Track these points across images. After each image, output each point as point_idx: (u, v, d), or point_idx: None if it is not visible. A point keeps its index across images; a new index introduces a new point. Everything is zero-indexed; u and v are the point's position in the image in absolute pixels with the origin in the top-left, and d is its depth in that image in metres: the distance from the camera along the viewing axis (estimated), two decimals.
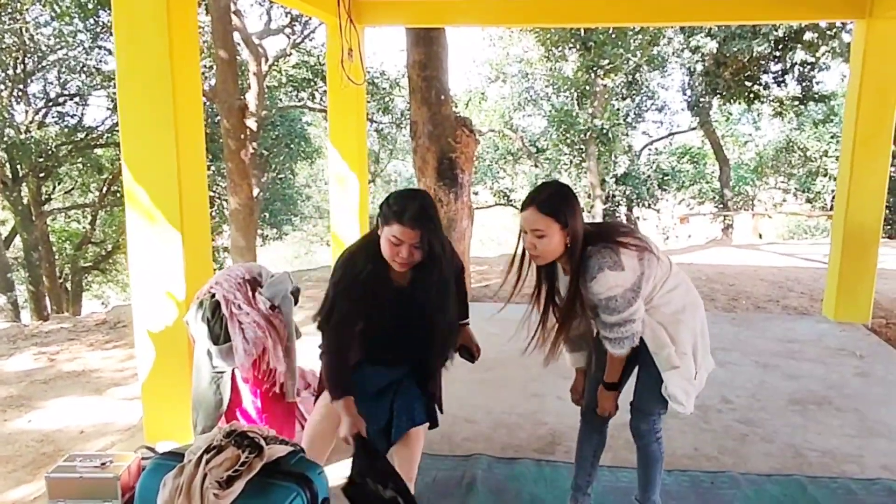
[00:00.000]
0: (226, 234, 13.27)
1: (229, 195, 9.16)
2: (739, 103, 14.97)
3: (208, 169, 12.95)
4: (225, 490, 1.64)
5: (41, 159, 13.29)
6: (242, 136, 8.64)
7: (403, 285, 2.36)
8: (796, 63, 12.93)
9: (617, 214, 18.34)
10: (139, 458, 2.72)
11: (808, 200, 18.45)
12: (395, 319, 2.37)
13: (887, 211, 15.66)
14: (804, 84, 13.63)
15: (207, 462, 1.69)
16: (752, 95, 13.70)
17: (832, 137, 16.80)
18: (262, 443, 1.73)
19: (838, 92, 15.16)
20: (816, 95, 13.82)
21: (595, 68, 15.38)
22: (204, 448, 1.73)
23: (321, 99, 14.02)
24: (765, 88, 13.74)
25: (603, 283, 2.14)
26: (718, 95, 14.45)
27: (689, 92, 16.86)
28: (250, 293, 2.84)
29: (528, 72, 18.08)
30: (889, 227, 16.12)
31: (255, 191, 10.80)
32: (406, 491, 2.02)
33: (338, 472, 2.96)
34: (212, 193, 13.66)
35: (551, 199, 2.16)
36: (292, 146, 15.22)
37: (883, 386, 4.14)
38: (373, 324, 2.36)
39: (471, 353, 2.66)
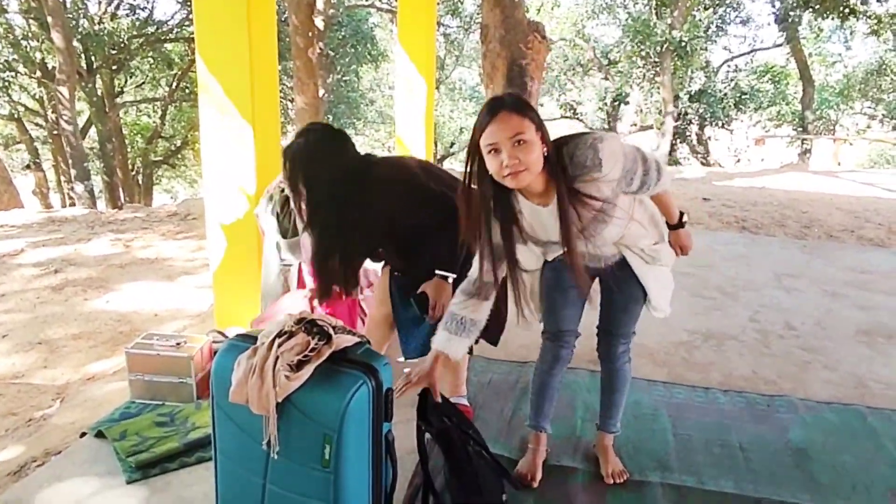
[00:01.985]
0: (291, 135, 13.38)
1: (295, 94, 9.16)
2: (833, 18, 13.92)
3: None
4: (296, 373, 1.70)
5: (113, 51, 13.49)
6: (310, 34, 8.54)
7: None
8: None
9: (688, 133, 17.68)
10: (210, 342, 2.86)
11: (895, 128, 17.36)
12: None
13: None
14: None
15: (279, 345, 1.75)
16: (847, 10, 12.72)
17: None
18: (331, 331, 1.78)
19: None
20: None
21: None
22: (276, 332, 1.79)
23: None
24: (862, 3, 12.73)
25: (609, 158, 1.78)
26: (810, 9, 13.48)
27: (777, 4, 15.75)
28: None
29: None
30: None
31: (321, 91, 10.76)
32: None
33: (398, 371, 3.06)
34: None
35: (518, 100, 1.79)
36: (358, 48, 14.99)
37: None
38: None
39: (426, 302, 2.36)
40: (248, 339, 1.86)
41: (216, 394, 1.84)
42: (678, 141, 17.46)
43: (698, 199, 7.74)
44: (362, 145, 20.00)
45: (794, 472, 2.45)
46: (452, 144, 21.46)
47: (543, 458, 2.43)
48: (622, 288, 2.19)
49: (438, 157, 19.72)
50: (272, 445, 1.74)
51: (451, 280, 2.34)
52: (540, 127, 1.77)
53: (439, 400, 2.03)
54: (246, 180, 3.17)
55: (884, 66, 17.62)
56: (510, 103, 1.75)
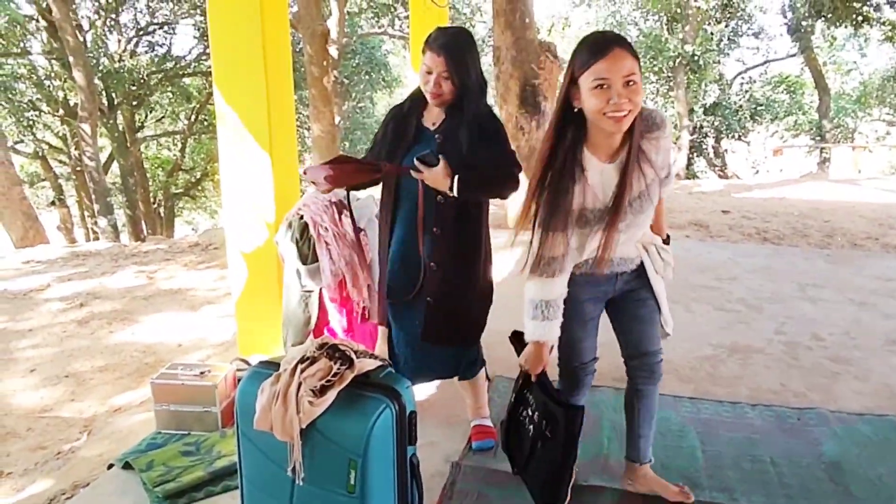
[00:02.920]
0: (308, 162, 13.51)
1: (312, 122, 9.28)
2: (846, 27, 13.87)
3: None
4: (319, 398, 1.71)
5: (133, 87, 13.79)
6: (325, 63, 8.67)
7: (429, 127, 2.37)
8: None
9: (704, 146, 17.61)
10: (234, 370, 2.88)
11: None
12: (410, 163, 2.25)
13: None
14: None
15: (302, 371, 1.76)
16: (860, 18, 12.67)
17: None
18: (353, 356, 1.79)
19: None
20: None
21: None
22: (298, 358, 1.80)
23: (401, 26, 13.85)
24: (875, 10, 12.68)
25: (667, 123, 1.87)
26: (823, 18, 13.43)
27: (789, 14, 15.74)
28: (337, 215, 2.90)
29: None
30: None
31: (336, 119, 10.88)
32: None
33: (419, 392, 3.06)
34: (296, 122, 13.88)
35: (626, 40, 1.76)
36: (372, 74, 15.20)
37: None
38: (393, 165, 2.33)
39: (433, 163, 2.19)
40: (271, 366, 1.87)
41: (241, 421, 1.85)
42: (695, 154, 17.40)
43: (718, 212, 7.68)
44: None
45: (828, 485, 2.40)
46: None
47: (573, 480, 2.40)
48: (642, 298, 2.14)
49: None
50: (297, 472, 1.74)
51: (453, 186, 2.17)
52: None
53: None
54: (265, 208, 3.21)
55: None
56: (623, 41, 1.72)
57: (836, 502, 2.30)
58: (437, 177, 2.18)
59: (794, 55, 17.61)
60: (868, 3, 12.47)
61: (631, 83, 1.70)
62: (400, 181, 2.40)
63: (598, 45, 1.70)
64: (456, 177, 2.17)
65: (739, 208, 7.91)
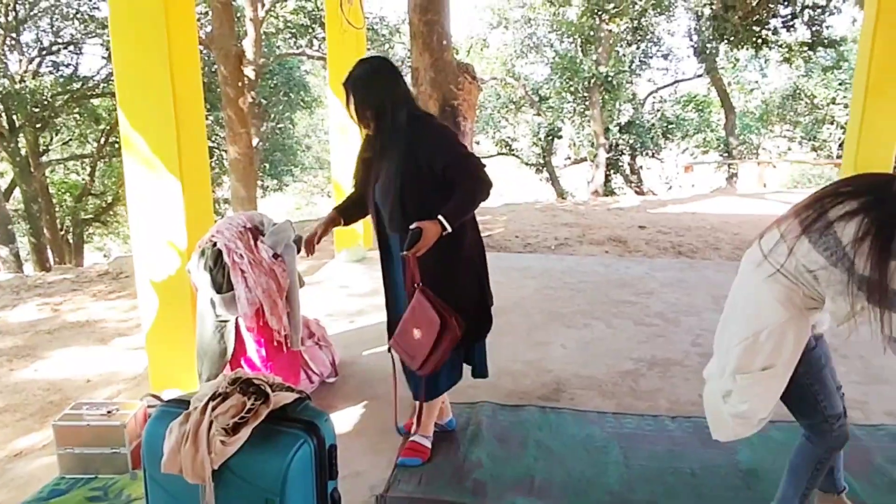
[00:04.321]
0: (226, 185, 13.18)
1: (228, 144, 9.05)
2: (747, 49, 14.66)
3: (207, 118, 12.80)
4: (232, 437, 1.63)
5: (37, 109, 13.12)
6: (240, 84, 8.50)
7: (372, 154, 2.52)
8: (806, 6, 12.63)
9: (620, 163, 18.18)
10: (145, 407, 2.72)
11: (814, 149, 18.25)
12: (374, 192, 2.49)
13: None
14: (814, 29, 13.34)
15: (213, 409, 1.67)
16: (760, 41, 13.41)
17: (840, 84, 16.51)
18: (268, 390, 1.71)
19: (848, 37, 14.83)
20: (826, 40, 13.53)
21: (600, 13, 15.02)
22: (209, 395, 1.71)
23: (320, 46, 13.74)
24: (773, 33, 13.45)
25: None
26: (726, 41, 14.15)
27: (695, 37, 16.51)
28: (252, 242, 2.81)
29: (530, 17, 17.69)
30: None
31: (255, 140, 10.67)
32: None
33: (345, 419, 2.98)
34: (211, 144, 13.52)
35: None
36: (291, 95, 14.99)
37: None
38: (368, 196, 2.54)
39: (415, 240, 2.25)
40: (181, 405, 1.77)
41: (148, 466, 1.74)
42: (612, 172, 17.92)
43: (635, 227, 7.91)
44: (301, 191, 19.88)
45: (745, 493, 2.47)
46: None
47: None
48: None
49: None
50: None
51: (445, 231, 2.30)
52: None
53: None
54: (176, 236, 3.07)
55: (798, 91, 18.55)
56: None
57: None
58: (429, 238, 2.27)
59: (700, 76, 18.45)
60: (766, 27, 13.23)
61: None
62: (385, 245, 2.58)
63: None
64: (441, 221, 2.28)
65: (655, 223, 8.17)
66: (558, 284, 5.17)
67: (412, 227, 2.26)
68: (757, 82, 20.91)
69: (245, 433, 1.64)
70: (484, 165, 2.44)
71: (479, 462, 2.67)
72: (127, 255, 10.83)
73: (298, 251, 3.03)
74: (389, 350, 2.49)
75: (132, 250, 3.33)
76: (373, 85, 2.36)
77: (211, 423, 1.65)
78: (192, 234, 3.06)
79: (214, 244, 2.78)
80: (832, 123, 17.17)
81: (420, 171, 2.36)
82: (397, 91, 2.40)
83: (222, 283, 2.75)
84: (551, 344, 3.97)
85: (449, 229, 2.30)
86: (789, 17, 13.11)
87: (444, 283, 2.39)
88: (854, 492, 2.46)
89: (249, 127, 9.07)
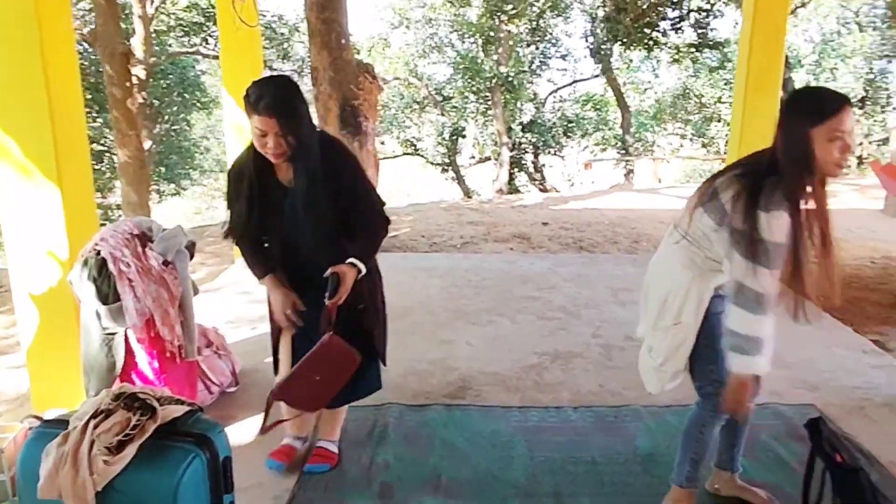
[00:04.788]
0: (117, 190, 12.54)
1: (117, 147, 8.60)
2: (639, 50, 15.28)
3: (95, 120, 12.14)
4: (116, 455, 1.54)
5: None
6: (128, 84, 8.09)
7: (287, 185, 2.31)
8: (693, 10, 13.28)
9: (524, 162, 18.54)
10: (26, 429, 2.54)
11: (704, 145, 19.21)
12: (291, 224, 2.30)
13: None
14: (700, 31, 14.06)
15: (95, 427, 1.58)
16: (650, 42, 14.01)
17: (726, 84, 17.46)
18: (155, 404, 1.63)
19: (731, 38, 15.70)
20: (711, 42, 14.29)
21: (499, 13, 15.26)
22: (91, 413, 1.61)
23: (215, 45, 13.29)
24: (663, 35, 14.08)
25: None
26: (619, 42, 14.70)
27: (591, 39, 17.04)
28: (140, 249, 2.67)
29: (431, 17, 17.76)
30: None
31: (147, 143, 10.20)
32: None
33: (247, 429, 2.89)
34: (101, 147, 12.82)
35: None
36: (186, 95, 14.39)
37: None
38: (275, 231, 2.36)
39: (336, 286, 2.19)
40: (59, 425, 1.66)
41: (23, 493, 1.62)
42: (516, 170, 18.25)
43: (538, 224, 8.08)
44: (200, 195, 19.21)
45: (645, 478, 2.56)
46: None
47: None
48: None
49: None
50: None
51: (360, 272, 2.25)
52: None
53: None
54: (56, 245, 2.88)
55: (687, 91, 19.48)
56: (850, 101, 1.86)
57: (651, 492, 2.45)
58: (348, 283, 2.21)
59: (597, 76, 19.07)
60: (656, 29, 13.84)
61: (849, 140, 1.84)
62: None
63: (837, 100, 1.84)
64: (355, 263, 2.24)
65: (557, 220, 8.38)
66: (464, 283, 5.21)
67: (327, 273, 2.19)
68: (650, 82, 21.83)
69: (131, 451, 1.56)
70: (384, 203, 2.41)
71: (386, 464, 2.65)
72: (2, 268, 10.11)
73: (192, 257, 2.91)
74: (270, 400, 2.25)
75: (7, 262, 3.09)
76: (299, 108, 2.17)
77: (93, 442, 1.56)
78: (73, 242, 2.87)
79: (98, 252, 2.63)
80: (719, 121, 18.13)
81: (335, 197, 2.26)
82: (309, 113, 2.26)
83: (108, 294, 2.60)
84: (457, 342, 3.99)
85: (364, 270, 2.26)
86: (677, 19, 13.77)
87: (361, 316, 2.40)
88: (742, 467, 2.60)
89: (139, 129, 8.64)
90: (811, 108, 1.86)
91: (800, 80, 16.88)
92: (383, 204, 2.41)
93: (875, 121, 16.53)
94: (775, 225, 1.83)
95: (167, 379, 2.78)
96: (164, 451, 1.59)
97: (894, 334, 4.12)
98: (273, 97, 2.10)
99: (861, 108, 16.66)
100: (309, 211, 2.23)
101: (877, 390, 3.31)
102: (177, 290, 2.73)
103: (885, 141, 15.21)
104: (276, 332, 2.45)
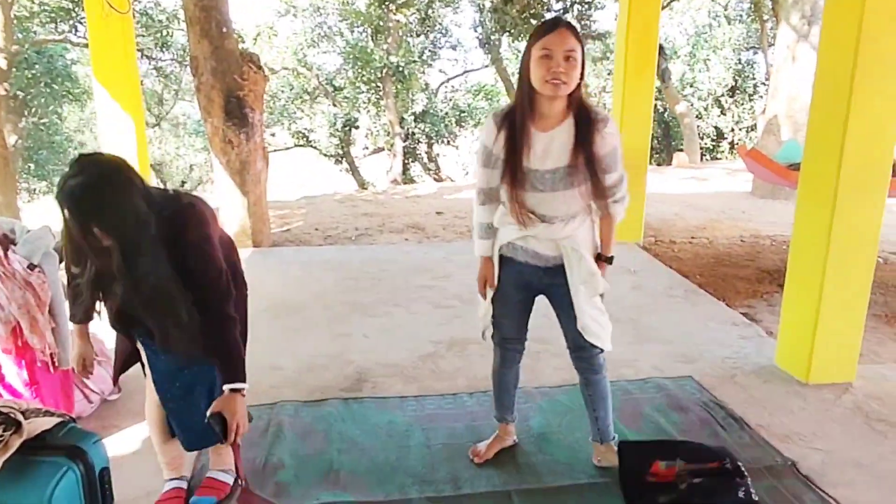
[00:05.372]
0: None
1: None
2: (526, 41, 15.60)
3: None
4: None
5: None
6: None
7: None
8: (575, 2, 13.71)
9: (417, 152, 18.59)
10: None
11: None
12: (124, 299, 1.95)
13: (654, 141, 17.43)
14: (583, 23, 14.50)
15: None
16: None
17: (609, 73, 18.18)
18: (20, 417, 1.52)
19: (612, 30, 16.35)
20: (594, 34, 14.79)
21: (388, 2, 15.17)
22: None
23: (85, 33, 12.48)
24: None
25: (615, 128, 2.15)
26: (507, 33, 14.96)
27: (480, 29, 17.26)
28: (1, 253, 2.47)
29: (319, 6, 17.43)
30: (657, 155, 17.97)
31: (12, 138, 9.46)
32: None
33: (132, 438, 2.74)
34: None
35: (574, 27, 2.06)
36: (55, 86, 13.44)
37: (653, 297, 4.63)
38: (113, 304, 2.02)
39: (225, 424, 1.90)
40: None
41: None
42: (410, 160, 18.28)
43: (433, 214, 8.13)
44: None
45: (539, 457, 2.63)
46: (184, 183, 20.25)
47: (505, 444, 2.66)
48: (563, 296, 2.31)
49: None
50: None
51: (244, 392, 1.95)
52: (583, 59, 2.05)
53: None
54: None
55: None
56: (569, 25, 2.04)
57: (546, 471, 2.53)
58: (240, 412, 1.92)
59: (487, 66, 19.37)
60: (542, 19, 14.19)
61: (569, 58, 2.00)
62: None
63: (551, 24, 2.03)
64: (234, 387, 1.92)
65: (452, 209, 8.45)
66: (359, 275, 5.17)
67: (210, 414, 1.88)
68: None
69: None
70: (232, 295, 2.00)
71: (281, 463, 2.60)
72: None
73: (62, 260, 2.72)
74: None
75: None
76: (110, 208, 1.75)
77: None
78: None
79: None
80: (604, 109, 18.89)
81: (182, 275, 1.89)
82: (134, 198, 1.80)
83: None
84: (353, 335, 3.95)
85: (245, 386, 1.96)
86: (561, 11, 14.15)
87: None
88: (626, 439, 2.73)
89: (2, 123, 8.00)
90: (533, 32, 2.10)
91: (677, 70, 17.83)
92: (231, 296, 2.00)
93: (744, 109, 17.70)
94: (484, 129, 2.24)
95: (39, 390, 2.59)
96: (31, 466, 1.48)
97: (761, 307, 4.44)
98: (65, 191, 1.72)
99: (731, 96, 17.79)
100: (142, 298, 1.88)
101: (746, 359, 3.56)
102: (46, 295, 2.55)
103: (754, 127, 16.33)
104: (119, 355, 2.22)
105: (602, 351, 2.41)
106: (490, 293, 2.45)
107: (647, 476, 2.34)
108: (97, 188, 1.72)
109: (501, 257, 2.38)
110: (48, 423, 1.56)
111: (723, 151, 18.13)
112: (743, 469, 2.36)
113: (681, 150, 15.61)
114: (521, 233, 2.26)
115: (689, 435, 2.78)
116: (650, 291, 4.75)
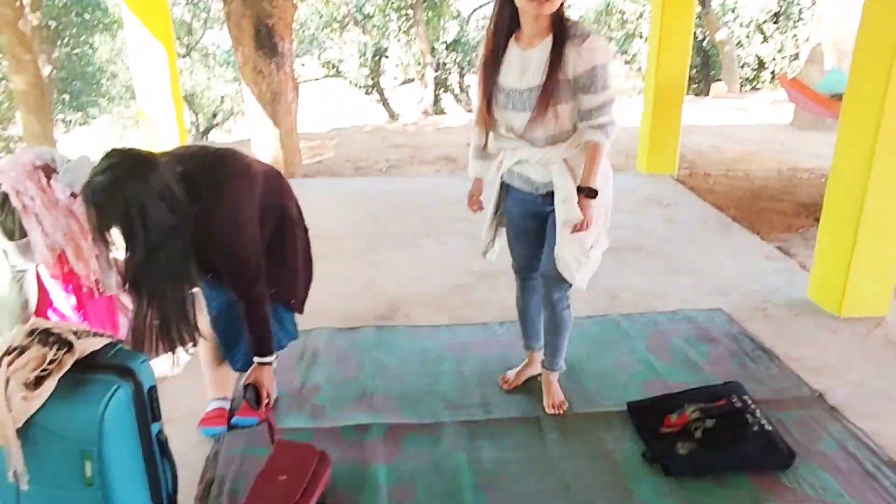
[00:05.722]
0: (18, 122, 11.76)
1: (13, 74, 7.98)
2: None
3: None
4: (34, 391, 1.51)
5: None
6: (18, 4, 7.46)
7: None
8: None
9: (448, 83, 18.30)
10: None
11: (626, 62, 19.35)
12: None
13: (692, 70, 16.88)
14: None
15: (9, 365, 1.53)
16: None
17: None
18: (72, 338, 1.59)
19: None
20: None
21: None
22: (3, 351, 1.56)
23: None
24: None
25: (596, 45, 2.03)
26: None
27: None
28: (44, 181, 2.54)
29: None
30: (695, 85, 17.42)
31: (47, 69, 9.52)
32: None
33: (169, 361, 2.86)
34: None
35: None
36: (86, 16, 13.39)
37: (685, 230, 4.59)
38: None
39: (258, 394, 2.09)
40: None
41: None
42: (441, 91, 18.01)
43: (463, 145, 8.06)
44: (111, 124, 18.21)
45: (567, 384, 2.68)
46: (215, 115, 20.25)
47: (534, 372, 2.69)
48: (552, 223, 2.27)
49: (201, 129, 18.52)
50: (20, 477, 1.53)
51: (274, 364, 2.16)
52: None
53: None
54: None
55: (610, 6, 19.45)
56: None
57: (575, 397, 2.59)
58: (268, 385, 2.11)
59: None
60: None
61: None
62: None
63: None
64: (262, 361, 2.12)
65: None
66: (391, 207, 5.19)
67: (245, 384, 2.09)
68: None
69: (50, 385, 1.53)
70: (261, 276, 2.06)
71: (318, 387, 2.70)
72: None
73: None
74: None
75: None
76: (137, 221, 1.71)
77: (8, 379, 1.52)
78: None
79: None
80: (641, 37, 18.23)
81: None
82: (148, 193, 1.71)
83: (13, 230, 2.48)
84: (385, 265, 4.01)
85: (273, 359, 2.15)
86: None
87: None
88: (656, 370, 2.76)
89: (37, 53, 8.04)
90: None
91: None
92: (260, 277, 2.07)
93: (788, 36, 16.96)
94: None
95: (86, 314, 2.70)
96: (85, 384, 1.56)
97: (796, 240, 4.37)
98: (93, 184, 1.69)
99: (775, 23, 17.03)
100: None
101: (778, 293, 3.54)
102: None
103: (797, 56, 15.68)
104: None
105: (570, 287, 2.35)
106: (490, 214, 2.50)
107: (662, 428, 2.36)
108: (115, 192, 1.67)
109: (505, 185, 2.40)
110: (98, 343, 1.64)
111: (763, 81, 17.49)
112: (749, 402, 2.36)
113: (719, 80, 15.10)
114: (515, 158, 2.25)
115: (717, 366, 2.80)
116: (683, 224, 4.70)
